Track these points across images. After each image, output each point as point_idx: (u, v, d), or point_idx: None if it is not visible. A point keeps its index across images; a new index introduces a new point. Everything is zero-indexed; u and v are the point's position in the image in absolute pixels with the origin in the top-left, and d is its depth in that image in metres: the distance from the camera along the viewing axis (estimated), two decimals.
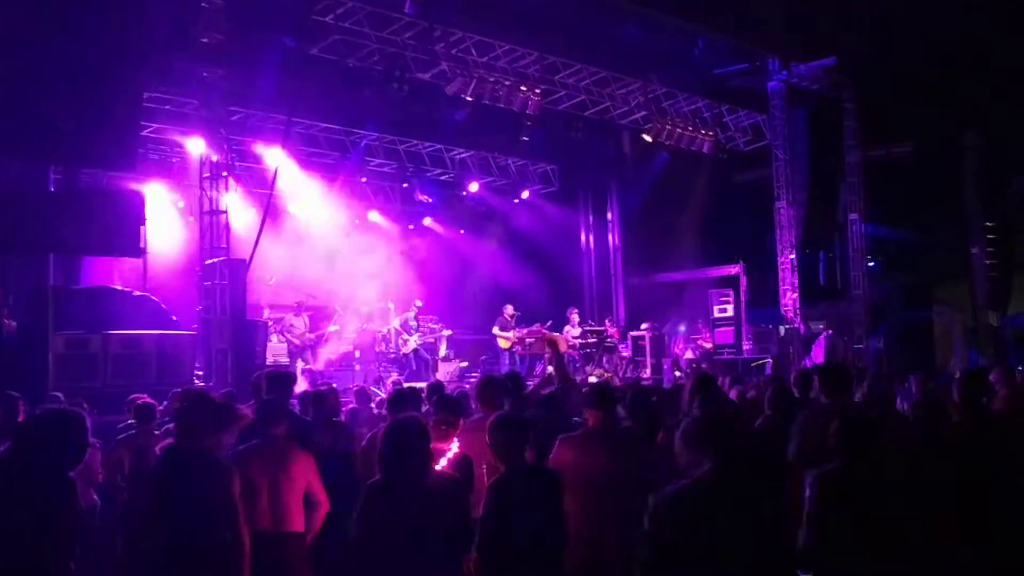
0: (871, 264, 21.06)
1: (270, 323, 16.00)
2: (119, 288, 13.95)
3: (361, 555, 4.51)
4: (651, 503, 3.85)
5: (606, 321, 20.81)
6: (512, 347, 18.41)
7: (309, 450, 5.96)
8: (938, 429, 5.61)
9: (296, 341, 16.93)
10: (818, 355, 17.95)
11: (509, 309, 18.75)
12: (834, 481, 4.26)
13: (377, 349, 18.17)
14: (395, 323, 18.11)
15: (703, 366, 17.58)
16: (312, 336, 17.16)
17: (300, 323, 17.13)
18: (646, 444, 5.88)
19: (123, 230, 12.94)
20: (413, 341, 17.87)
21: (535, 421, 5.47)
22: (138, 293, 13.94)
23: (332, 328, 17.47)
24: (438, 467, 5.19)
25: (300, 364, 16.18)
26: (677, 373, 16.58)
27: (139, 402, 7.62)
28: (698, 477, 3.87)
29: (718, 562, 3.74)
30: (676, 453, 4.06)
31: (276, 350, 16.18)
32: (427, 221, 22.50)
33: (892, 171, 20.25)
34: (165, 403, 8.27)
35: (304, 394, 8.14)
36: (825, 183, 20.92)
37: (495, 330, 18.70)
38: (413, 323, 18.12)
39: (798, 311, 20.05)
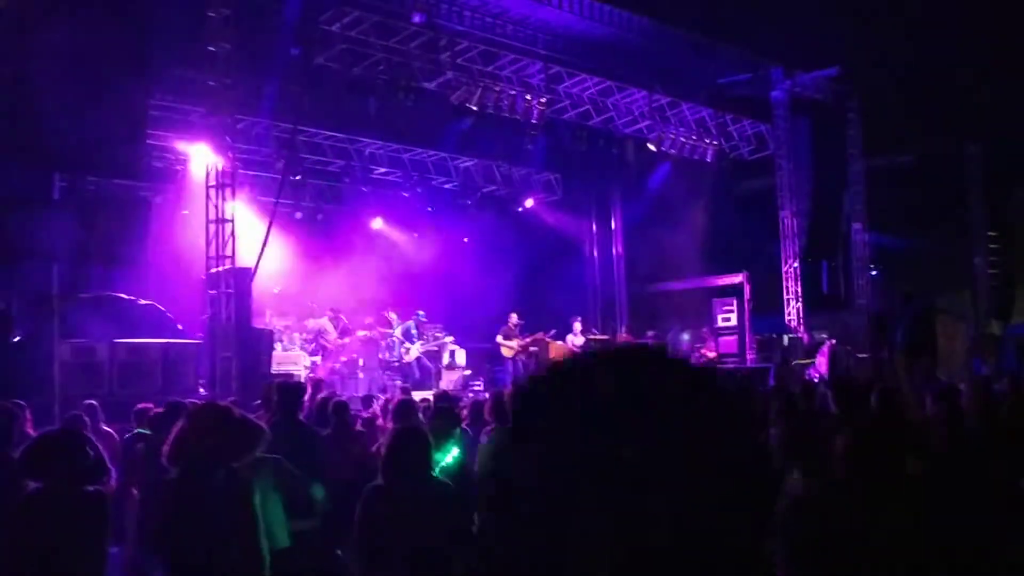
0: (874, 273, 21.05)
1: (275, 331, 15.96)
2: (124, 296, 13.91)
3: (361, 558, 4.64)
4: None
5: (621, 328, 20.70)
6: (516, 355, 18.41)
7: (322, 464, 5.96)
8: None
9: (330, 346, 16.92)
10: (821, 365, 17.89)
11: (513, 318, 18.74)
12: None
13: (380, 356, 18.13)
14: (397, 332, 18.08)
15: None
16: (344, 342, 17.13)
17: (334, 329, 17.13)
18: None
19: (128, 237, 12.99)
20: (415, 350, 17.85)
21: None
22: (143, 301, 13.93)
23: (362, 333, 17.45)
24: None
25: (306, 372, 16.07)
26: None
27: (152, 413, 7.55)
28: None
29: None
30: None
31: (291, 358, 16.14)
32: (430, 230, 22.48)
33: (895, 180, 20.26)
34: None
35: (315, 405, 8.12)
36: (828, 192, 20.92)
37: (499, 338, 18.68)
38: (414, 332, 18.10)
39: (802, 320, 20.05)
